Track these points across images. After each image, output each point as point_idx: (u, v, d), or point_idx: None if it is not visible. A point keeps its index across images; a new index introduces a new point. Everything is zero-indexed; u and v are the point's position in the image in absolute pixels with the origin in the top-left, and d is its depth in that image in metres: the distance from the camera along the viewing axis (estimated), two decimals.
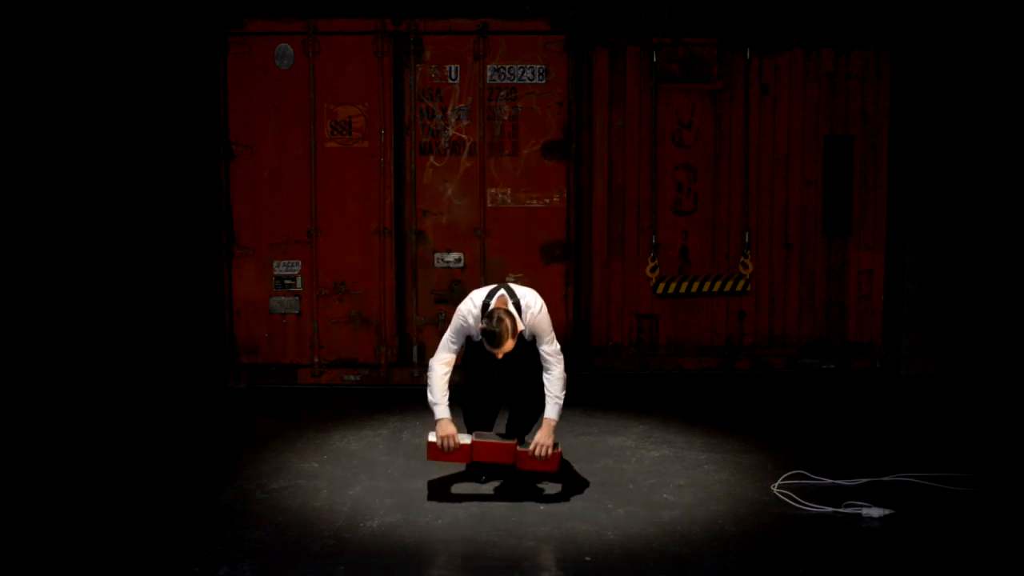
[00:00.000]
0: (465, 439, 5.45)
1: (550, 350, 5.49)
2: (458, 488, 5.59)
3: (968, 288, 8.10)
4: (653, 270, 8.15)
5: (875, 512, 5.14)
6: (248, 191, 7.71)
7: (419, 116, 7.71)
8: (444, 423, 5.42)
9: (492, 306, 5.40)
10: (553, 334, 5.56)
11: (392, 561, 4.66)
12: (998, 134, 7.95)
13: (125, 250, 8.24)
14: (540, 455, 5.39)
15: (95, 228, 8.13)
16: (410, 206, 7.77)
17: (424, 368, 7.78)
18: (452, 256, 7.78)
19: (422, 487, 5.60)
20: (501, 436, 5.59)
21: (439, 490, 5.56)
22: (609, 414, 7.10)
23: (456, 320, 5.59)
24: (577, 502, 5.41)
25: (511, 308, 5.41)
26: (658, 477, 5.80)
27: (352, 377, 7.89)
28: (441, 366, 5.53)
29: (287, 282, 7.80)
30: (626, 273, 8.21)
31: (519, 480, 5.64)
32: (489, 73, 7.69)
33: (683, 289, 8.17)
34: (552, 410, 5.44)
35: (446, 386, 5.50)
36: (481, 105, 7.70)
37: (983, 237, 8.06)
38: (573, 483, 5.70)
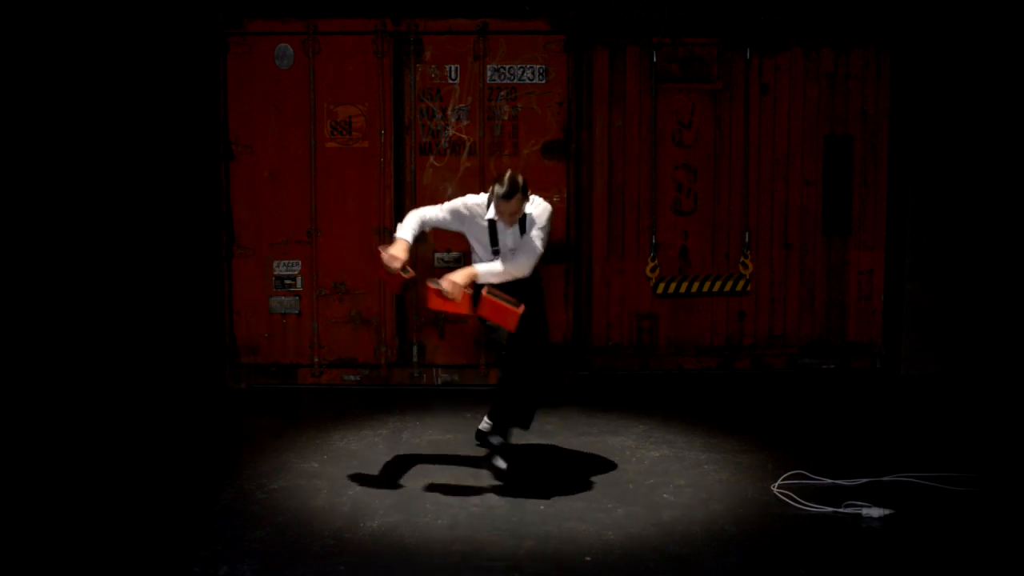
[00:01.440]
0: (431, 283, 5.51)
1: (534, 238, 5.56)
2: (458, 488, 5.60)
3: (968, 288, 8.10)
4: (653, 270, 8.15)
5: (875, 512, 5.14)
6: (248, 191, 7.71)
7: (419, 116, 7.71)
8: (400, 243, 5.58)
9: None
10: (545, 235, 5.61)
11: (392, 561, 4.67)
12: (998, 134, 7.95)
13: (126, 250, 8.25)
14: (447, 289, 5.40)
15: (96, 228, 8.13)
16: (410, 206, 7.75)
17: (424, 368, 7.85)
18: (452, 256, 7.77)
19: (422, 487, 5.60)
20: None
21: (439, 490, 5.56)
22: (609, 414, 7.10)
23: (456, 200, 5.74)
24: (577, 502, 5.41)
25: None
26: (658, 477, 5.80)
27: (352, 377, 7.89)
28: (422, 211, 5.74)
29: (287, 282, 7.80)
30: (626, 273, 8.21)
31: (520, 479, 5.65)
32: (489, 73, 7.69)
33: (683, 289, 8.17)
34: (481, 266, 5.55)
35: (418, 227, 5.67)
36: (481, 105, 7.70)
37: (983, 237, 8.06)
38: (573, 483, 5.70)
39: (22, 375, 7.68)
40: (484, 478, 5.72)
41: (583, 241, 8.11)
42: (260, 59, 7.62)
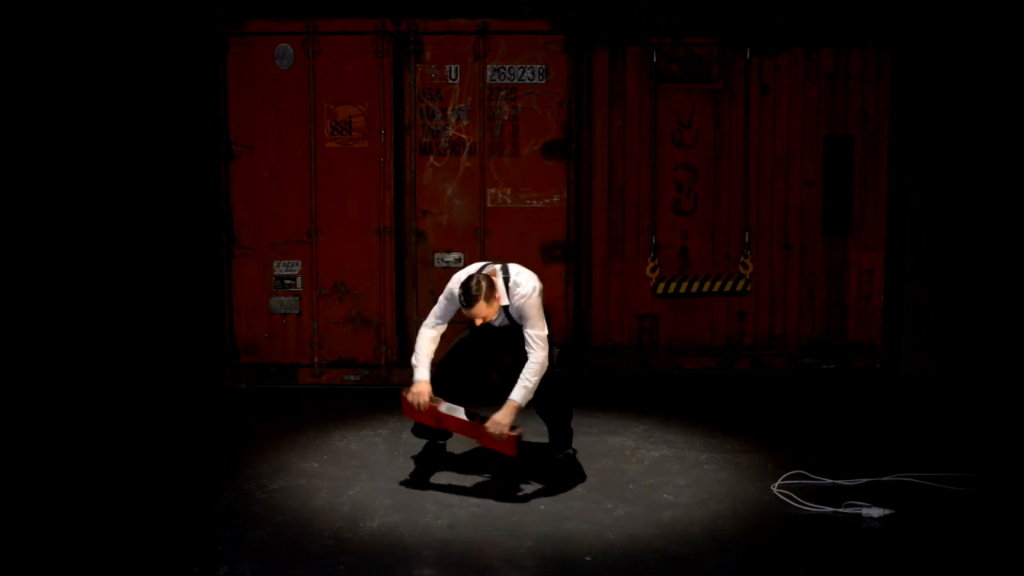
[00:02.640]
0: (443, 408, 5.57)
1: (533, 333, 5.53)
2: (458, 488, 5.59)
3: (968, 288, 8.10)
4: (653, 270, 8.15)
5: (875, 512, 5.14)
6: (248, 191, 7.71)
7: (419, 116, 7.71)
8: (421, 384, 5.54)
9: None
10: (543, 321, 5.58)
11: (392, 561, 4.66)
12: (998, 134, 7.95)
13: (126, 250, 8.24)
14: (494, 433, 5.41)
15: (96, 228, 8.13)
16: (410, 206, 7.78)
17: None
18: (452, 256, 7.78)
19: (422, 487, 5.61)
20: (469, 413, 5.62)
21: (439, 490, 5.56)
22: (609, 414, 7.10)
23: (446, 289, 5.69)
24: (577, 502, 5.41)
25: (499, 281, 5.52)
26: (658, 477, 5.80)
27: (352, 377, 7.89)
28: (429, 331, 5.68)
29: (287, 282, 7.80)
30: (626, 273, 8.21)
31: (520, 479, 5.65)
32: (489, 73, 7.69)
33: (683, 289, 8.17)
34: (518, 393, 5.47)
35: (431, 352, 5.63)
36: (481, 105, 7.70)
37: (983, 237, 8.06)
38: (573, 483, 5.70)
39: (23, 375, 7.67)
40: (484, 478, 5.71)
41: (583, 241, 8.10)
42: (260, 59, 7.62)
